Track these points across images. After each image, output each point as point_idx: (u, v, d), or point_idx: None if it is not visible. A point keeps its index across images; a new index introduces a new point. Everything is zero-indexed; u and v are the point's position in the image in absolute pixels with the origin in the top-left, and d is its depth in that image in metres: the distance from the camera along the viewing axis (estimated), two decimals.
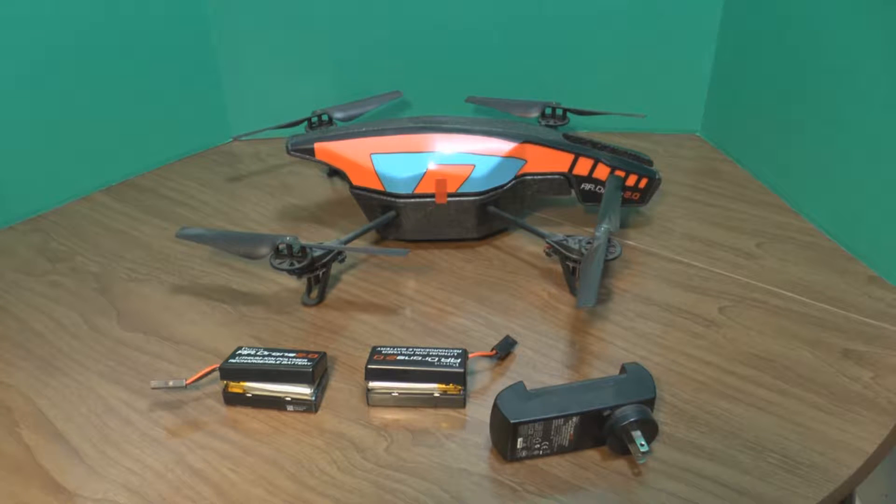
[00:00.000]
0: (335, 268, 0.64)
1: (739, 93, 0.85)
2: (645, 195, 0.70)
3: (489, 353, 0.53)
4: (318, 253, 0.58)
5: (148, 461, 0.45)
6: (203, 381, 0.50)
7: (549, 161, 0.68)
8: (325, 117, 0.81)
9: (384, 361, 0.49)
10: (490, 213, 0.68)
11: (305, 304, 0.60)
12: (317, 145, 0.68)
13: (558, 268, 0.64)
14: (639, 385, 0.46)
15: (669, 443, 0.46)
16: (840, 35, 0.67)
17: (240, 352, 0.50)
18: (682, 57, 0.89)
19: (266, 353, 0.50)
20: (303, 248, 0.58)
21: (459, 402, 0.49)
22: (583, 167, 0.68)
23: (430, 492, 0.43)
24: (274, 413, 0.49)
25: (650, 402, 0.45)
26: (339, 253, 0.60)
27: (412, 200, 0.66)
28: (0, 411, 0.49)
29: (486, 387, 0.51)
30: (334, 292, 0.62)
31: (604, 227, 0.58)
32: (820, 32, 0.70)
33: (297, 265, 0.57)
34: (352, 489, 0.43)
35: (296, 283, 0.63)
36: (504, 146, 0.66)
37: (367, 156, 0.66)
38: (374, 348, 0.50)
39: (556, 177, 0.69)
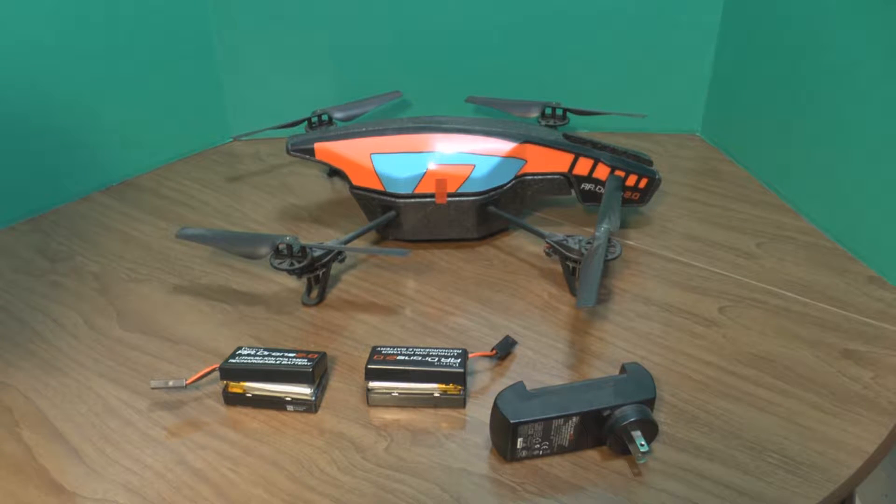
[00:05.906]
0: (335, 268, 0.64)
1: (739, 93, 0.85)
2: (645, 195, 0.70)
3: (489, 353, 0.53)
4: (318, 253, 0.58)
5: (148, 461, 0.45)
6: (203, 381, 0.50)
7: (549, 161, 0.68)
8: (325, 117, 0.81)
9: (384, 361, 0.49)
10: (490, 213, 0.68)
11: (305, 304, 0.60)
12: (317, 145, 0.68)
13: (558, 268, 0.64)
14: (639, 385, 0.46)
15: (669, 443, 0.46)
16: (840, 35, 0.67)
17: (240, 352, 0.50)
18: (682, 57, 0.89)
19: (266, 353, 0.50)
20: (303, 248, 0.58)
21: (459, 402, 0.49)
22: (583, 167, 0.68)
23: (430, 492, 0.43)
24: (274, 413, 0.49)
25: (650, 402, 0.45)
26: (339, 253, 0.60)
27: (412, 200, 0.66)
28: (0, 411, 0.49)
29: (486, 387, 0.51)
30: (334, 292, 0.62)
31: (604, 227, 0.58)
32: (820, 32, 0.70)
33: (297, 265, 0.57)
34: (352, 489, 0.43)
35: (296, 283, 0.63)
36: (504, 146, 0.66)
37: (367, 156, 0.66)
38: (374, 348, 0.50)
39: (556, 177, 0.69)
